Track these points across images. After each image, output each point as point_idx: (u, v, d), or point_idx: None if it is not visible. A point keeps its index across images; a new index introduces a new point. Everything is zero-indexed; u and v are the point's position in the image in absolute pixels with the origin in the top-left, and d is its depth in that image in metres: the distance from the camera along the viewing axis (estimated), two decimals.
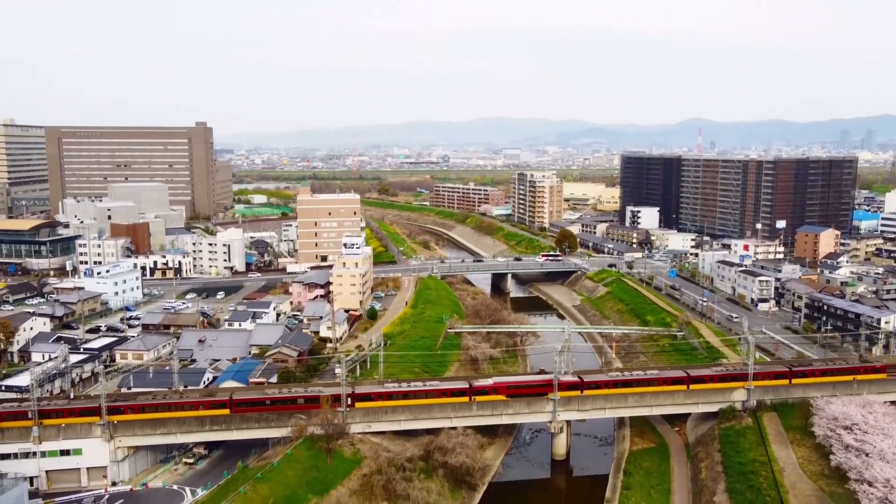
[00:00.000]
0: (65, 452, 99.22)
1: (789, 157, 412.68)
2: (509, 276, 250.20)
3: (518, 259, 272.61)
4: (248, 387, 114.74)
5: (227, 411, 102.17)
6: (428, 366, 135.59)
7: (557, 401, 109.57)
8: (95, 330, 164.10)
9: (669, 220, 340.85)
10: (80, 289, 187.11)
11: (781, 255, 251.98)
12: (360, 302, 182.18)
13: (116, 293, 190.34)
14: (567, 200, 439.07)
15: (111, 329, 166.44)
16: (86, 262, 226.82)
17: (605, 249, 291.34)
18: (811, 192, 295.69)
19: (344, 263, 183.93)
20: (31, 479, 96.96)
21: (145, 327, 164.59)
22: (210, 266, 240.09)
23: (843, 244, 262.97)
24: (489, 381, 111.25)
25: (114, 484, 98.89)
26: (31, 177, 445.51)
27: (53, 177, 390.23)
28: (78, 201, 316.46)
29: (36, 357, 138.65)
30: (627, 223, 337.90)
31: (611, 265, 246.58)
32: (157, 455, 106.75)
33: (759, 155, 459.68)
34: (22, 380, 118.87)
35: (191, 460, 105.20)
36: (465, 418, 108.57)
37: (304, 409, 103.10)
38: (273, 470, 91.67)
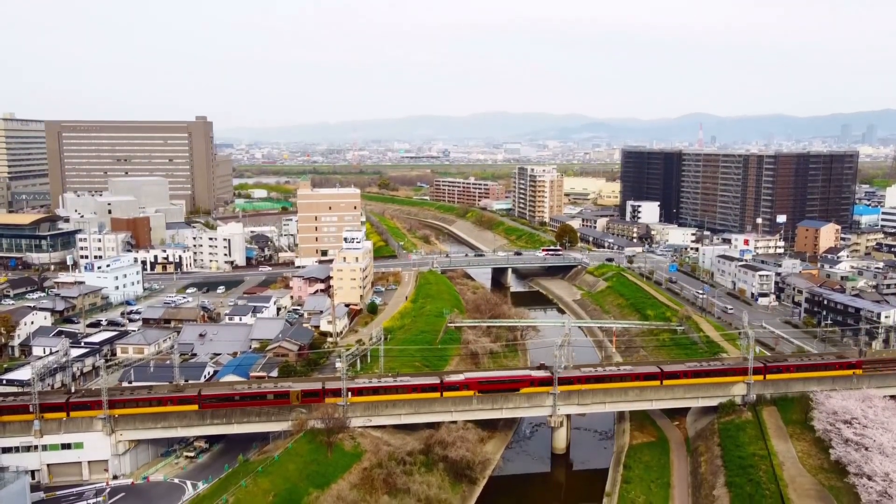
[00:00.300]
0: (66, 446, 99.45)
1: (790, 151, 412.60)
2: (509, 270, 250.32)
3: (518, 254, 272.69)
4: (218, 382, 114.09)
5: (195, 407, 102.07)
6: (428, 360, 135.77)
7: (557, 395, 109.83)
8: (96, 324, 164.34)
9: (670, 215, 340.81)
10: (81, 283, 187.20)
11: (782, 250, 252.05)
12: (361, 296, 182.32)
13: (117, 287, 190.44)
14: (567, 195, 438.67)
15: (112, 323, 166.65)
16: (86, 257, 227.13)
17: (606, 244, 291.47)
18: (812, 186, 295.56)
19: (344, 258, 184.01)
20: (33, 472, 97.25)
21: (146, 321, 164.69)
22: (210, 260, 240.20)
23: (843, 239, 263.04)
24: (461, 377, 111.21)
25: (115, 477, 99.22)
26: (31, 171, 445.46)
27: (53, 171, 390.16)
28: (78, 196, 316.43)
29: (37, 351, 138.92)
30: (628, 218, 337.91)
31: (608, 259, 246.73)
32: (158, 449, 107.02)
33: (759, 149, 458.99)
34: (23, 374, 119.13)
35: (192, 454, 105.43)
36: (465, 412, 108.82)
37: (274, 405, 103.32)
38: (274, 463, 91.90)
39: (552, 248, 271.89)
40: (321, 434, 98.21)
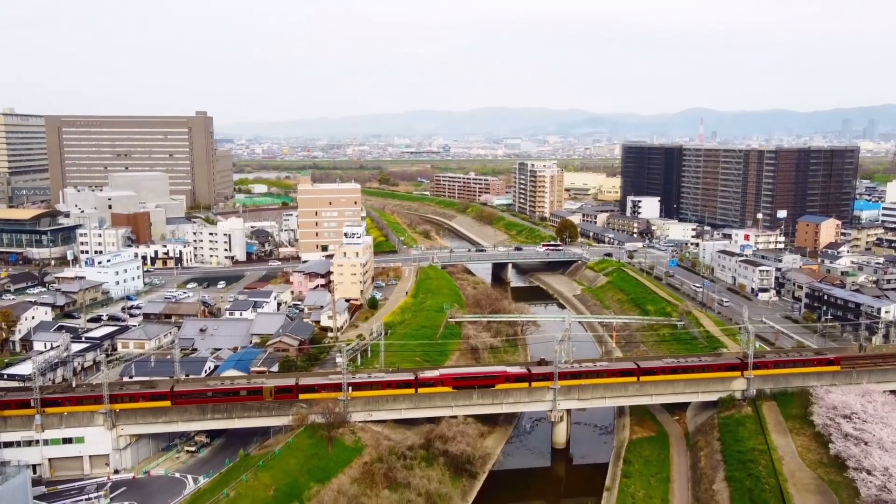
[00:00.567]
0: (67, 441, 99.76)
1: (791, 146, 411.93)
2: (510, 265, 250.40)
3: (519, 249, 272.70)
4: (192, 379, 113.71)
5: (167, 403, 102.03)
6: (429, 355, 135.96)
7: (558, 390, 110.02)
8: (97, 319, 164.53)
9: (670, 210, 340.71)
10: (82, 278, 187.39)
11: (782, 245, 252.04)
12: (361, 291, 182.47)
13: (117, 282, 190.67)
14: (568, 190, 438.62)
15: (112, 318, 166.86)
16: (87, 252, 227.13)
17: (606, 239, 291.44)
18: (812, 181, 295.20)
19: (345, 253, 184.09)
20: (35, 466, 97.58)
21: (146, 316, 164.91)
22: (211, 256, 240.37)
23: (843, 234, 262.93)
24: (436, 373, 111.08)
25: (116, 472, 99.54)
26: (31, 166, 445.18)
27: (54, 166, 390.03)
28: (78, 191, 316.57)
29: (38, 346, 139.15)
30: (628, 213, 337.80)
31: (607, 254, 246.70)
32: (160, 443, 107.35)
33: (760, 144, 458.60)
34: (24, 368, 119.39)
35: (192, 448, 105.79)
36: (465, 407, 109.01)
37: (248, 401, 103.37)
38: (274, 458, 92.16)
39: (552, 243, 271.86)
40: (321, 429, 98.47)
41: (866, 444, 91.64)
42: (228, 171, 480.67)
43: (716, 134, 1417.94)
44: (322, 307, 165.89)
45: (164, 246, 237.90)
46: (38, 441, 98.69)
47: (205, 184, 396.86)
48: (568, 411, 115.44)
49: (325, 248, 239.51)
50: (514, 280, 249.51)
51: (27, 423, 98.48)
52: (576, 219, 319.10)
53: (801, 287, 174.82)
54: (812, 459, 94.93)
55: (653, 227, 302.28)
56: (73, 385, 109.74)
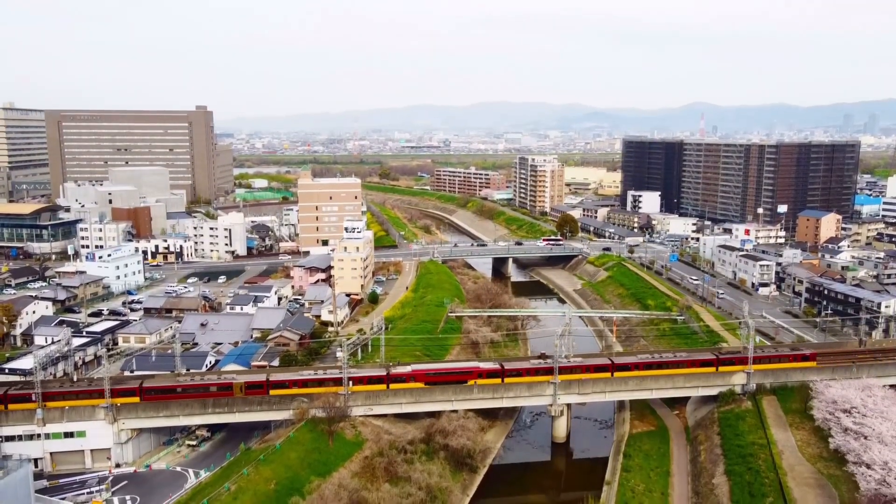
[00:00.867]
0: (69, 434, 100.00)
1: (791, 141, 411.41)
2: (510, 260, 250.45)
3: (519, 243, 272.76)
4: (165, 374, 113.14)
5: (136, 399, 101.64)
6: (429, 349, 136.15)
7: (558, 384, 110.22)
8: (97, 313, 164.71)
9: (671, 205, 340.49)
10: (82, 273, 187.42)
11: (783, 240, 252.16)
12: (362, 286, 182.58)
13: (118, 277, 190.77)
14: (568, 185, 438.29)
15: (113, 313, 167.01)
16: (87, 246, 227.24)
17: (607, 234, 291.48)
18: (813, 176, 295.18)
19: (345, 248, 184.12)
20: (36, 460, 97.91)
21: (147, 311, 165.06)
22: (211, 250, 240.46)
23: (844, 229, 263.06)
24: (408, 369, 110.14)
25: (117, 465, 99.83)
26: (31, 161, 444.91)
27: (54, 160, 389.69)
28: (79, 185, 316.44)
29: (39, 340, 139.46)
30: (629, 208, 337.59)
31: (606, 249, 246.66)
32: (161, 437, 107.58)
33: (761, 139, 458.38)
34: (25, 363, 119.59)
35: (193, 442, 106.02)
36: (465, 401, 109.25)
37: (218, 396, 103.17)
38: (275, 452, 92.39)
39: (553, 237, 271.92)
40: (322, 423, 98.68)
41: (866, 438, 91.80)
42: (229, 165, 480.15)
43: (717, 128, 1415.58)
44: (323, 302, 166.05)
45: (165, 240, 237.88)
46: (39, 435, 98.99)
47: (205, 178, 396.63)
48: (568, 406, 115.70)
49: (325, 243, 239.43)
50: (515, 275, 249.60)
51: (29, 418, 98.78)
52: (576, 213, 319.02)
53: (801, 282, 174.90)
54: (812, 453, 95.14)
55: (653, 222, 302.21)
56: (74, 379, 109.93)
